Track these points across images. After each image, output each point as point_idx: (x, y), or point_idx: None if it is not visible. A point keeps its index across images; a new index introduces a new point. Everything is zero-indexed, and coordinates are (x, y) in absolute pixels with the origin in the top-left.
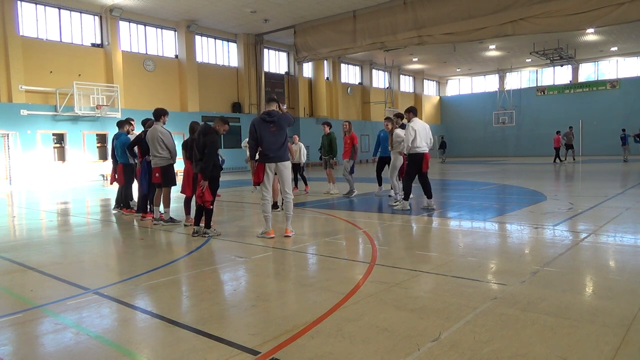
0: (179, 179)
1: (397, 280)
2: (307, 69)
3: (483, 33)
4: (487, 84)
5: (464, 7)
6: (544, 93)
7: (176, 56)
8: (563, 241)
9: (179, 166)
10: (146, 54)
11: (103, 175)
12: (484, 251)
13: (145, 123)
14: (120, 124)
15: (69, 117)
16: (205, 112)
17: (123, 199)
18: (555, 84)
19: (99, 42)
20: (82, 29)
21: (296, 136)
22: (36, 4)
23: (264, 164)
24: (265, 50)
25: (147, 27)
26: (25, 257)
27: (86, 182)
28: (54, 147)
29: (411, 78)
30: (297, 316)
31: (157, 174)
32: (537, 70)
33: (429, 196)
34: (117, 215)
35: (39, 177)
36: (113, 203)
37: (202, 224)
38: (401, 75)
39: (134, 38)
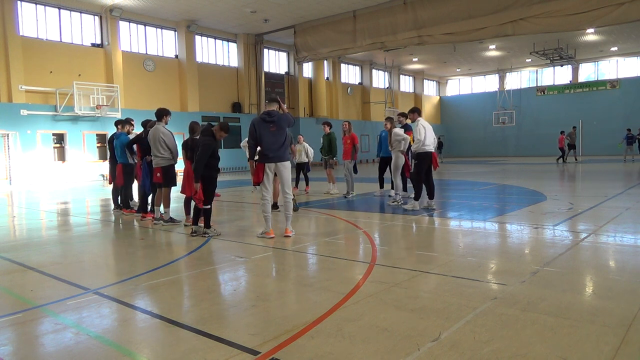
0: (179, 179)
1: (397, 280)
2: (307, 69)
3: (483, 33)
4: (487, 84)
5: (464, 7)
6: (544, 93)
7: (176, 56)
8: (563, 241)
9: (179, 166)
10: (146, 54)
11: (103, 175)
12: (484, 251)
13: (146, 124)
14: (118, 123)
15: (69, 117)
16: (205, 112)
17: (123, 199)
18: (555, 84)
19: (99, 42)
20: (82, 29)
21: (301, 136)
22: (36, 4)
23: (264, 164)
24: (265, 50)
25: (147, 27)
26: (25, 257)
27: (86, 182)
28: (54, 147)
29: (411, 78)
30: (297, 316)
31: (158, 174)
32: (537, 70)
33: (431, 196)
34: (117, 215)
35: (39, 177)
36: (112, 203)
37: (201, 224)
38: (401, 75)
39: (134, 38)
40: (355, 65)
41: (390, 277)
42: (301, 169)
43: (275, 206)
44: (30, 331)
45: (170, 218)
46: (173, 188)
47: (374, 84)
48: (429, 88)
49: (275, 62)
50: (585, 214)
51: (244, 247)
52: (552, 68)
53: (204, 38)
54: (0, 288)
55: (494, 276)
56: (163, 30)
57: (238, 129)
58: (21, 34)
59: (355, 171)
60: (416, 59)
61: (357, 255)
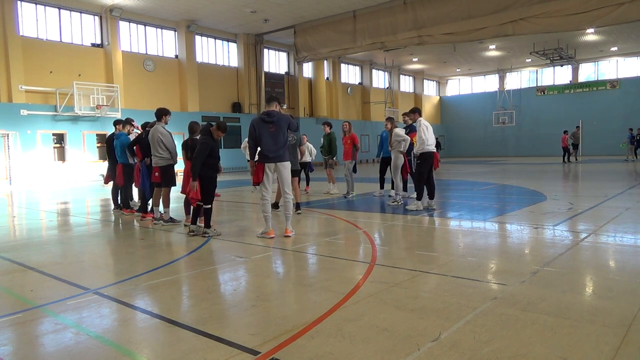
0: (179, 179)
1: (397, 280)
2: (307, 69)
3: (483, 33)
4: (487, 84)
5: (464, 7)
6: (544, 93)
7: (176, 56)
8: (563, 241)
9: (179, 166)
10: (146, 54)
11: (103, 175)
12: (484, 251)
13: (145, 127)
14: (117, 123)
15: (69, 117)
16: (205, 112)
17: (123, 199)
18: (555, 84)
19: (99, 42)
20: (82, 29)
21: (304, 136)
22: (36, 4)
23: (264, 164)
24: (265, 50)
25: (147, 27)
26: (25, 257)
27: (86, 182)
28: (54, 147)
29: (411, 78)
30: (297, 316)
31: (156, 174)
32: (537, 70)
33: (431, 196)
34: (117, 215)
35: (39, 177)
36: (112, 203)
37: (200, 224)
38: (401, 75)
39: (134, 38)
40: (355, 65)
41: (390, 277)
42: (303, 168)
43: (275, 206)
44: (30, 331)
45: (170, 218)
46: (173, 188)
47: (374, 84)
48: (429, 88)
49: (275, 62)
50: (585, 214)
51: (244, 247)
52: (552, 68)
53: (204, 38)
54: (0, 288)
55: (494, 276)
56: (163, 30)
57: (238, 129)
58: (21, 34)
59: (355, 171)
60: (416, 59)
61: (357, 255)
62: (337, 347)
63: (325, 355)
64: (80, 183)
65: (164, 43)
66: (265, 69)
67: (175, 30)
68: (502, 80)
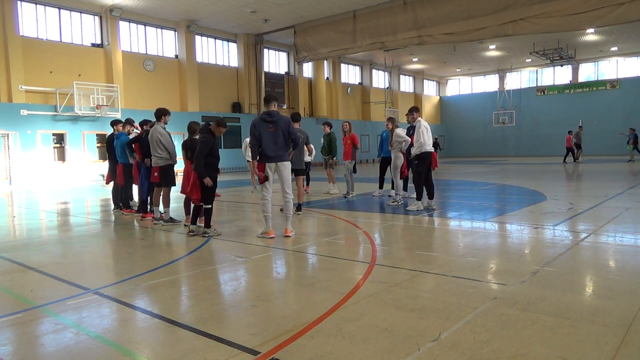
0: (179, 179)
1: (397, 280)
2: (307, 69)
3: (483, 33)
4: (487, 84)
5: (464, 7)
6: (544, 93)
7: (176, 56)
8: (563, 241)
9: (179, 166)
10: (146, 54)
11: (103, 175)
12: (484, 251)
13: (143, 125)
14: (115, 123)
15: (69, 117)
16: (205, 112)
17: (123, 199)
18: (555, 84)
19: (99, 42)
20: (82, 29)
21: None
22: (36, 4)
23: (264, 163)
24: (265, 50)
25: (147, 27)
26: (25, 257)
27: (86, 182)
28: (54, 147)
29: (411, 78)
30: (297, 316)
31: (155, 173)
32: (537, 70)
33: (431, 196)
34: (117, 215)
35: (39, 177)
36: (112, 203)
37: (200, 224)
38: (401, 75)
39: (134, 38)
40: (355, 65)
41: (390, 277)
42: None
43: (298, 208)
44: (30, 331)
45: (170, 218)
46: (173, 188)
47: (374, 84)
48: (429, 88)
49: (275, 62)
50: (585, 214)
51: (244, 247)
52: (552, 68)
53: (204, 38)
54: (0, 288)
55: (494, 276)
56: (163, 30)
57: (238, 129)
58: (21, 34)
59: (355, 171)
60: (416, 59)
61: (357, 255)
62: (337, 347)
63: (325, 355)
64: (80, 183)
65: (164, 43)
66: (265, 69)
67: (175, 30)
68: (502, 80)
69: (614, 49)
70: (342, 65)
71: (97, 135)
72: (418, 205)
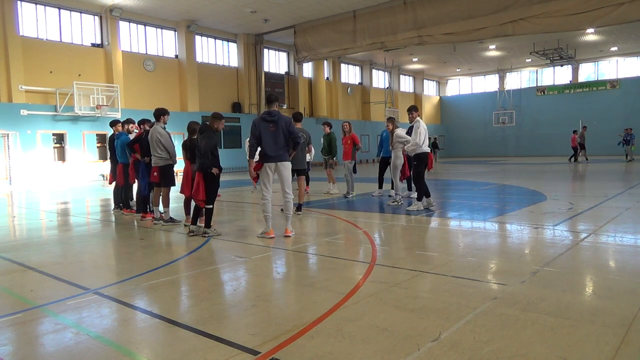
0: (179, 179)
1: (397, 280)
2: (307, 69)
3: (483, 33)
4: (487, 84)
5: (464, 7)
6: (544, 93)
7: (176, 56)
8: (563, 241)
9: (179, 166)
10: (146, 54)
11: (103, 175)
12: (484, 251)
13: (142, 124)
14: (113, 124)
15: (69, 117)
16: (205, 112)
17: (123, 199)
18: (555, 84)
19: (99, 42)
20: (82, 29)
21: None
22: (36, 4)
23: (261, 163)
24: (265, 50)
25: (147, 27)
26: (25, 257)
27: (86, 182)
28: (54, 147)
29: (411, 78)
30: (297, 316)
31: (155, 173)
32: (537, 70)
33: (427, 195)
34: (117, 215)
35: (39, 177)
36: (113, 203)
37: (201, 224)
38: (401, 75)
39: (134, 38)
40: (355, 65)
41: (390, 277)
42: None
43: (299, 208)
44: (30, 331)
45: (170, 218)
46: (173, 188)
47: (374, 84)
48: (429, 88)
49: (275, 62)
50: (585, 214)
51: (244, 247)
52: (552, 68)
53: (204, 38)
54: (0, 288)
55: (494, 276)
56: (163, 30)
57: (238, 129)
58: (21, 34)
59: (355, 171)
60: (416, 59)
61: (357, 255)
62: (337, 347)
63: (325, 355)
64: (80, 183)
65: (164, 43)
66: (265, 69)
67: (175, 30)
68: (502, 80)
69: (614, 49)
70: (342, 65)
71: (97, 135)
72: (418, 206)
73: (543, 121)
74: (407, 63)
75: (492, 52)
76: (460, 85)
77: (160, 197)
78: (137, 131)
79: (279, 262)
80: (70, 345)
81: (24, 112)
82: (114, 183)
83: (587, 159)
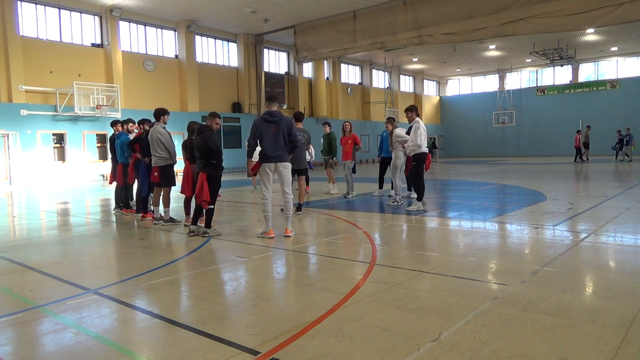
0: (179, 179)
1: (397, 280)
2: (307, 69)
3: (483, 33)
4: (487, 84)
5: (464, 7)
6: (544, 93)
7: (176, 56)
8: (563, 241)
9: (179, 166)
10: (146, 54)
11: (103, 175)
12: (484, 251)
13: (141, 123)
14: (113, 124)
15: (69, 117)
16: (205, 112)
17: (123, 199)
18: (555, 84)
19: (99, 42)
20: (82, 29)
21: None
22: (36, 4)
23: (262, 163)
24: (265, 50)
25: (147, 27)
26: (25, 257)
27: (86, 182)
28: (54, 147)
29: (411, 78)
30: (297, 316)
31: (155, 173)
32: (537, 70)
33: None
34: (117, 215)
35: (39, 177)
36: (113, 203)
37: (201, 224)
38: (401, 75)
39: (134, 38)
40: (355, 65)
41: (390, 277)
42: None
43: (299, 208)
44: (30, 331)
45: (170, 218)
46: (173, 188)
47: (374, 84)
48: (429, 88)
49: (275, 62)
50: (585, 214)
51: (244, 247)
52: (552, 68)
53: (204, 38)
54: (0, 288)
55: (494, 276)
56: (163, 30)
57: (238, 129)
58: (21, 34)
59: (354, 171)
60: (416, 59)
61: (357, 255)
62: (337, 347)
63: (325, 355)
64: (80, 183)
65: (164, 43)
66: (265, 69)
67: (175, 30)
68: (502, 80)
69: (614, 49)
70: (342, 65)
71: (97, 135)
72: (418, 206)
73: (543, 121)
74: (407, 63)
75: (492, 52)
76: (460, 85)
77: (161, 197)
78: (137, 131)
79: (279, 262)
80: (70, 345)
81: (24, 112)
82: (114, 183)
83: (588, 159)
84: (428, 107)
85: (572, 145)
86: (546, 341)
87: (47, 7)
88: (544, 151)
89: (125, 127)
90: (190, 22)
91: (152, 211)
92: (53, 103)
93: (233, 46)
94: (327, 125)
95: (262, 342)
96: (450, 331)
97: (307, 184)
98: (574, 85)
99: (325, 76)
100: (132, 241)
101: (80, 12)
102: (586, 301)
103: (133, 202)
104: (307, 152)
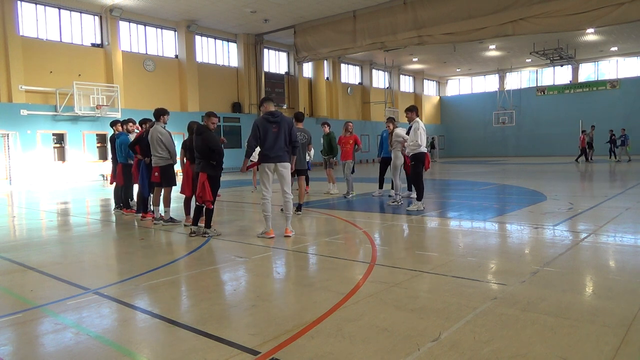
0: (179, 179)
1: (397, 280)
2: (307, 69)
3: (483, 33)
4: (487, 84)
5: (464, 7)
6: (544, 93)
7: (176, 56)
8: (563, 241)
9: (179, 166)
10: (146, 54)
11: (103, 175)
12: (484, 251)
13: (143, 123)
14: (113, 124)
15: (69, 117)
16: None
17: (123, 199)
18: (555, 84)
19: (99, 42)
20: (82, 29)
21: None
22: (36, 4)
23: (262, 163)
24: (265, 50)
25: (147, 27)
26: (25, 257)
27: (86, 182)
28: (54, 147)
29: (411, 78)
30: (297, 316)
31: (156, 173)
32: (537, 70)
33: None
34: (117, 215)
35: (39, 177)
36: (113, 203)
37: (201, 224)
38: (401, 75)
39: (134, 38)
40: (355, 65)
41: (390, 277)
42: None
43: (298, 208)
44: (30, 331)
45: (171, 218)
46: (173, 188)
47: (374, 84)
48: (429, 88)
49: (275, 62)
50: (585, 214)
51: (244, 247)
52: (552, 68)
53: (204, 38)
54: (0, 288)
55: (494, 276)
56: (163, 30)
57: (238, 129)
58: (21, 34)
59: (353, 171)
60: (416, 59)
61: (357, 255)
62: (337, 347)
63: (325, 355)
64: (80, 183)
65: (164, 43)
66: (265, 69)
67: (175, 30)
68: (502, 80)
69: (614, 49)
70: (342, 65)
71: (97, 135)
72: (418, 206)
73: (543, 121)
74: (407, 63)
75: (492, 52)
76: (460, 85)
77: (161, 197)
78: (138, 131)
79: (279, 262)
80: (70, 345)
81: (24, 112)
82: (114, 183)
83: (587, 160)
84: (428, 107)
85: (572, 145)
86: (546, 341)
87: (47, 7)
88: (544, 151)
89: (124, 127)
90: (190, 22)
91: (152, 211)
92: (53, 103)
93: (233, 46)
94: (326, 125)
95: (262, 342)
96: (450, 331)
97: (307, 184)
98: (574, 85)
99: (325, 76)
100: (132, 241)
101: (80, 12)
102: (586, 301)
103: (133, 202)
104: (307, 152)
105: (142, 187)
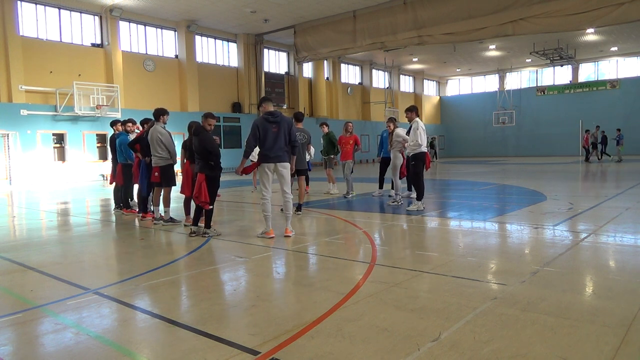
0: (179, 179)
1: (397, 280)
2: (307, 69)
3: (483, 33)
4: (487, 84)
5: (464, 7)
6: (544, 93)
7: (176, 56)
8: (563, 241)
9: (179, 166)
10: (146, 54)
11: (103, 175)
12: (484, 251)
13: (144, 123)
14: (113, 124)
15: (69, 117)
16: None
17: (123, 199)
18: (555, 84)
19: (99, 42)
20: (82, 29)
21: None
22: (36, 4)
23: (261, 163)
24: (265, 50)
25: (147, 27)
26: (25, 257)
27: (86, 182)
28: (54, 147)
29: (411, 78)
30: (297, 316)
31: (156, 173)
32: (537, 70)
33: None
34: (117, 215)
35: (39, 177)
36: (113, 203)
37: (201, 224)
38: (401, 75)
39: (134, 38)
40: (355, 65)
41: (390, 277)
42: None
43: (298, 208)
44: (30, 331)
45: (171, 218)
46: (173, 188)
47: (374, 84)
48: (429, 88)
49: (275, 62)
50: (585, 214)
51: (244, 247)
52: (552, 68)
53: (204, 38)
54: (0, 288)
55: (494, 276)
56: (163, 30)
57: (238, 129)
58: (21, 34)
59: (352, 171)
60: (416, 59)
61: (357, 255)
62: (337, 347)
63: (325, 355)
64: (80, 183)
65: (164, 43)
66: (265, 69)
67: (175, 30)
68: (502, 80)
69: (614, 49)
70: (342, 65)
71: (97, 135)
72: (418, 205)
73: (543, 121)
74: (407, 63)
75: (492, 52)
76: (460, 85)
77: (161, 197)
78: (138, 131)
79: (279, 262)
80: (70, 345)
81: (24, 112)
82: (114, 183)
83: (587, 159)
84: (428, 107)
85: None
86: (546, 341)
87: (47, 7)
88: (544, 151)
89: (124, 127)
90: (190, 22)
91: (152, 211)
92: (53, 103)
93: (233, 46)
94: (324, 126)
95: (262, 342)
96: (450, 331)
97: (307, 184)
98: (574, 85)
99: (325, 76)
100: (132, 241)
101: (80, 12)
102: (586, 301)
103: (133, 202)
104: (307, 152)
105: (141, 186)
